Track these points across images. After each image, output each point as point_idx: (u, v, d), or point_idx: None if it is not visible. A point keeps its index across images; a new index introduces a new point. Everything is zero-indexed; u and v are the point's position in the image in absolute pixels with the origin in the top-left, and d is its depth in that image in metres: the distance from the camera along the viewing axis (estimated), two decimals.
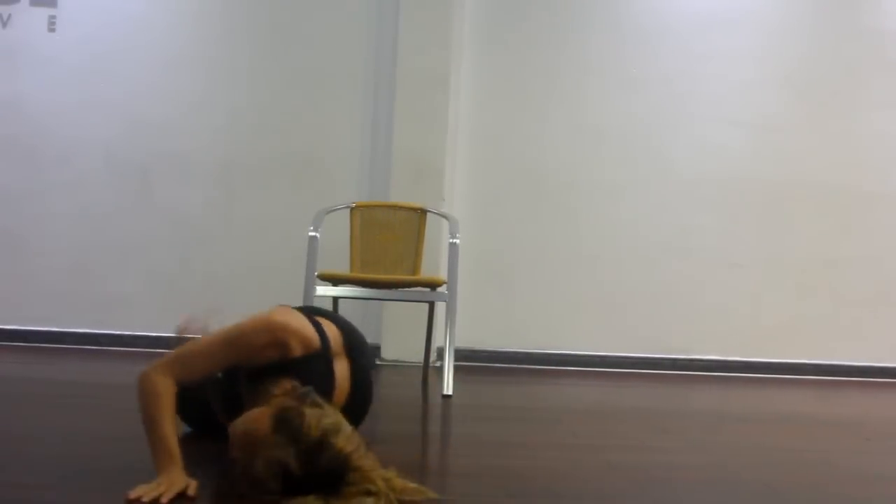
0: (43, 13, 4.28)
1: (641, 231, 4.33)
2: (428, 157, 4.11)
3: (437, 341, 3.61)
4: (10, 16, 4.28)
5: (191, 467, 1.59)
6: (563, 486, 1.80)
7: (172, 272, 4.22)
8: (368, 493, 1.44)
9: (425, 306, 3.45)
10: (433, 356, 3.84)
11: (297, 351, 1.72)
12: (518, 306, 4.29)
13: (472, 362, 4.15)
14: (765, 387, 3.88)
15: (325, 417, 1.50)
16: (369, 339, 4.13)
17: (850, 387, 4.05)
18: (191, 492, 1.51)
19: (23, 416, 2.37)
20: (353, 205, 3.60)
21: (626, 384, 3.80)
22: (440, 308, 3.43)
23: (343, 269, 3.45)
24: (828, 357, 4.33)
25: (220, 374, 1.86)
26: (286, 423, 1.47)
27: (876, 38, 4.43)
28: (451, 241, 3.31)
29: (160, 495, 1.47)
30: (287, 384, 1.67)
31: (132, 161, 4.26)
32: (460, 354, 3.86)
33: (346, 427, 1.51)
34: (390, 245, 3.57)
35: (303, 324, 1.77)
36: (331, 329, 1.89)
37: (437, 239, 3.94)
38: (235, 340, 1.69)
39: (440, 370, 3.19)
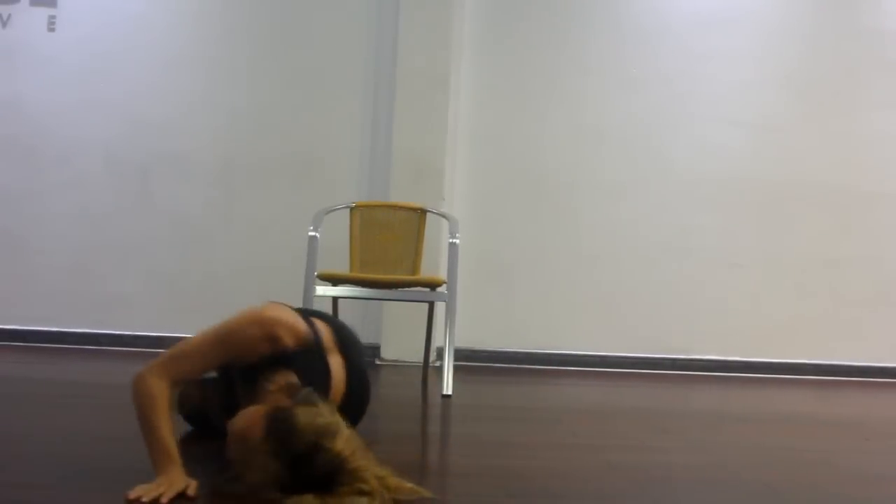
0: (43, 13, 4.28)
1: (641, 231, 4.33)
2: (428, 157, 4.11)
3: (437, 341, 3.61)
4: (9, 16, 4.28)
5: (191, 466, 1.59)
6: (563, 486, 1.80)
7: (172, 272, 4.22)
8: (362, 493, 1.44)
9: (425, 306, 3.45)
10: (433, 356, 3.85)
11: (288, 343, 1.72)
12: (518, 306, 4.29)
13: (472, 362, 4.15)
14: (765, 387, 3.88)
15: (318, 417, 1.50)
16: (369, 339, 4.20)
17: (850, 387, 4.05)
18: (191, 492, 1.51)
19: (23, 416, 2.37)
20: (353, 205, 3.60)
21: (626, 384, 3.80)
22: (440, 308, 3.43)
23: (343, 269, 3.45)
24: (828, 357, 4.33)
25: (214, 374, 1.86)
26: (277, 426, 1.47)
27: (876, 38, 4.43)
28: (450, 240, 3.31)
29: (160, 495, 1.47)
30: (281, 379, 1.67)
31: (132, 161, 4.26)
32: (460, 354, 3.86)
33: (341, 426, 1.51)
34: (390, 245, 3.57)
35: (292, 316, 1.78)
36: (321, 325, 1.90)
37: (436, 239, 3.94)
38: (227, 337, 1.70)
39: (440, 370, 3.19)
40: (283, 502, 1.42)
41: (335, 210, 3.53)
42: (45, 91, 4.26)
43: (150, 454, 1.58)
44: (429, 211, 3.64)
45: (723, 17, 4.40)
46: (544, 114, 4.34)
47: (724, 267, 4.35)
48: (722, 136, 4.37)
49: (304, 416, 1.49)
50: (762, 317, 4.34)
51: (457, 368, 3.19)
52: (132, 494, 1.47)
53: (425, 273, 3.58)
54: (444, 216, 3.64)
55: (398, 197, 3.93)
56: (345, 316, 3.51)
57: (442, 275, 3.43)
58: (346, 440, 1.49)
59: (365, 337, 4.06)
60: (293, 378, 1.69)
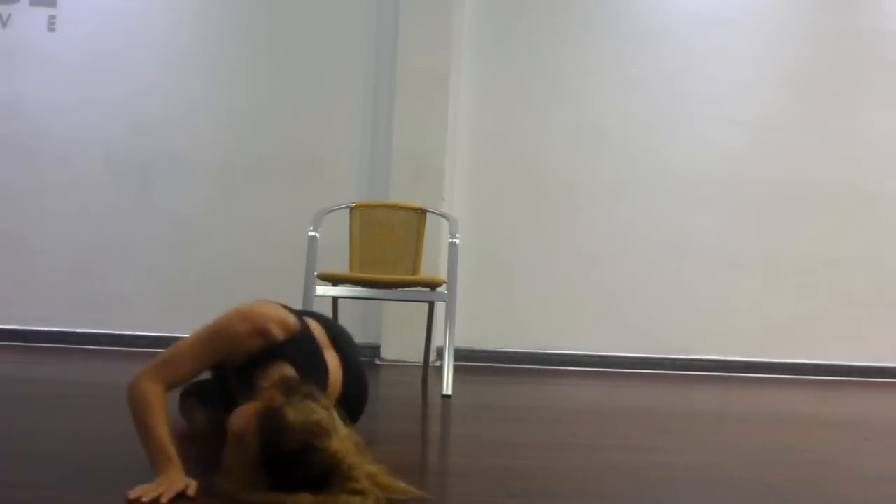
0: (43, 13, 4.28)
1: (641, 231, 4.33)
2: (428, 157, 4.11)
3: (437, 341, 3.61)
4: (9, 16, 4.28)
5: (191, 466, 1.59)
6: (562, 486, 1.80)
7: (172, 272, 4.22)
8: (355, 493, 1.44)
9: (425, 306, 3.45)
10: (433, 356, 3.85)
11: (278, 335, 1.72)
12: (518, 306, 4.29)
13: (472, 362, 4.15)
14: (765, 387, 3.88)
15: (312, 414, 1.49)
16: (369, 339, 4.20)
17: (850, 387, 4.05)
18: (190, 492, 1.51)
19: (23, 416, 2.37)
20: (353, 205, 3.60)
21: (626, 384, 3.80)
22: (440, 308, 3.43)
23: (343, 269, 3.45)
24: (828, 357, 4.33)
25: (209, 375, 1.86)
26: (268, 426, 1.47)
27: (876, 38, 4.43)
28: (450, 240, 3.31)
29: (160, 495, 1.47)
30: (276, 373, 1.67)
31: (132, 161, 4.26)
32: (460, 354, 3.86)
33: (336, 422, 1.50)
34: (390, 245, 3.57)
35: (280, 310, 1.79)
36: (314, 323, 1.91)
37: (436, 239, 3.94)
38: (217, 335, 1.70)
39: (440, 370, 3.19)
40: (281, 502, 1.42)
41: (335, 210, 3.52)
42: (45, 91, 4.26)
43: (148, 456, 1.58)
44: (429, 211, 3.64)
45: (723, 17, 4.40)
46: (544, 114, 4.34)
47: (724, 267, 4.34)
48: (722, 136, 4.37)
49: (295, 413, 1.48)
50: (762, 317, 4.34)
51: (457, 368, 3.19)
52: (132, 494, 1.47)
53: (425, 273, 3.58)
54: (444, 216, 3.64)
55: (398, 197, 3.93)
56: (345, 316, 3.53)
57: (442, 275, 3.43)
58: (341, 438, 1.48)
59: (365, 337, 4.08)
60: (288, 369, 1.69)
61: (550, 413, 2.91)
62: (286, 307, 1.85)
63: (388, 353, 4.08)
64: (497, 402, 3.22)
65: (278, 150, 4.28)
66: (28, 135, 4.25)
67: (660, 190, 4.35)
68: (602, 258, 4.31)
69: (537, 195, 4.32)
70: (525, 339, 4.27)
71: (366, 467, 1.49)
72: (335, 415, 1.53)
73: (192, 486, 1.52)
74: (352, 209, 3.57)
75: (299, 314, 1.90)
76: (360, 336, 3.99)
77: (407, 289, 3.23)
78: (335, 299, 3.39)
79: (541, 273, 4.30)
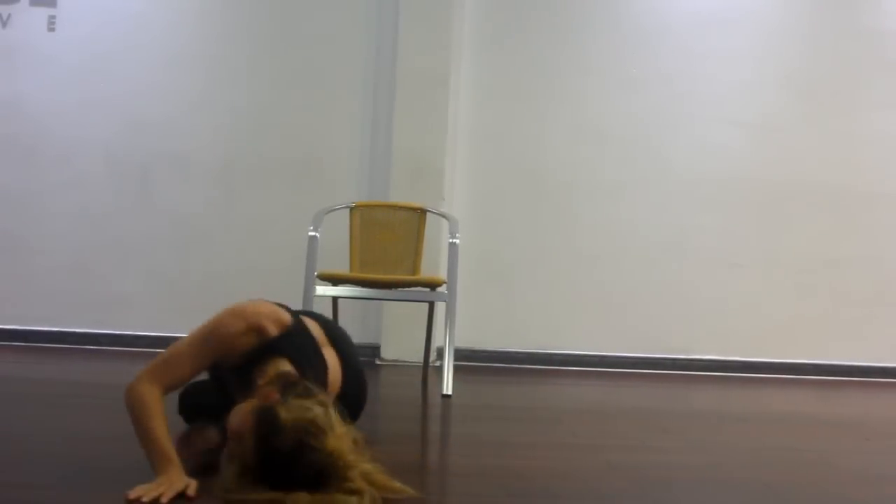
0: (43, 13, 4.28)
1: (641, 231, 4.33)
2: (428, 157, 4.11)
3: (437, 341, 3.61)
4: (9, 16, 4.28)
5: (190, 466, 1.59)
6: (562, 486, 1.80)
7: (172, 272, 4.22)
8: (350, 492, 1.44)
9: (425, 306, 3.45)
10: (433, 356, 3.85)
11: (272, 331, 1.73)
12: (518, 306, 4.29)
13: (472, 362, 4.15)
14: (765, 387, 3.88)
15: (306, 411, 1.49)
16: (369, 339, 4.20)
17: (851, 387, 4.05)
18: (190, 492, 1.51)
19: (23, 416, 2.37)
20: (353, 205, 3.60)
21: (626, 384, 3.80)
22: (440, 308, 3.43)
23: (343, 269, 3.45)
24: (828, 357, 4.33)
25: (207, 376, 1.87)
26: (263, 425, 1.47)
27: (876, 38, 4.43)
28: (450, 240, 3.31)
29: (160, 495, 1.47)
30: (272, 369, 1.68)
31: (132, 161, 4.26)
32: (460, 354, 3.86)
33: (331, 418, 1.50)
34: (390, 245, 3.57)
35: (273, 307, 1.80)
36: (311, 322, 1.92)
37: (436, 239, 3.94)
38: (211, 335, 1.71)
39: (440, 370, 3.19)
40: (280, 501, 1.42)
41: (335, 210, 3.52)
42: (45, 91, 4.26)
43: (148, 458, 1.58)
44: (429, 211, 3.64)
45: (723, 17, 4.40)
46: (544, 114, 4.34)
47: (724, 267, 4.34)
48: (722, 136, 4.37)
49: (289, 412, 1.48)
50: (762, 317, 4.34)
51: (457, 368, 3.19)
52: (132, 494, 1.47)
53: (425, 273, 3.58)
54: (444, 216, 3.64)
55: (398, 197, 3.93)
56: (345, 316, 3.54)
57: (442, 275, 3.43)
58: (337, 436, 1.48)
59: (365, 337, 4.09)
60: (284, 365, 1.70)
61: (550, 413, 2.91)
62: (281, 305, 1.86)
63: (388, 353, 4.08)
64: (497, 402, 3.22)
65: (278, 150, 4.28)
66: (28, 135, 4.25)
67: (660, 190, 4.35)
68: (602, 258, 4.31)
69: (537, 195, 4.32)
70: (525, 339, 4.27)
71: (362, 466, 1.49)
72: (332, 411, 1.52)
73: (193, 486, 1.52)
74: (352, 209, 3.57)
75: (296, 313, 1.91)
76: (360, 336, 4.02)
77: (407, 289, 3.23)
78: (335, 299, 3.39)
79: (541, 273, 4.30)
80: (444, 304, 3.21)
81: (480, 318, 4.19)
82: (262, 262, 4.14)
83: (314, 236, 3.25)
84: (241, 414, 1.54)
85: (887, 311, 4.35)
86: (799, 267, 4.36)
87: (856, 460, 2.27)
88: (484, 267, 4.23)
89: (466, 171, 4.29)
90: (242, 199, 4.27)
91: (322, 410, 1.51)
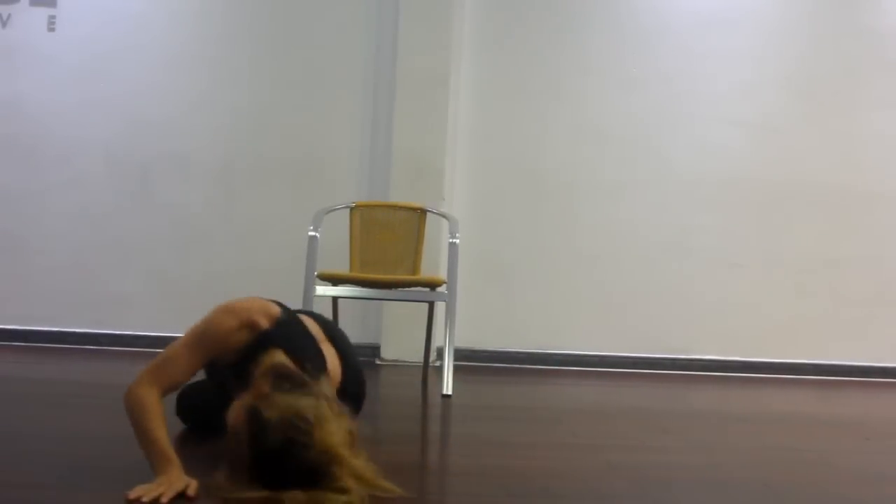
0: (43, 13, 4.28)
1: (641, 231, 4.33)
2: (428, 157, 4.11)
3: (437, 341, 3.61)
4: (9, 16, 4.28)
5: (191, 465, 1.59)
6: (563, 486, 1.80)
7: (172, 272, 4.22)
8: (340, 490, 1.44)
9: (425, 306, 3.45)
10: (433, 356, 3.85)
11: (264, 323, 1.75)
12: (518, 306, 4.29)
13: (472, 362, 4.15)
14: (765, 387, 3.88)
15: (294, 405, 1.47)
16: (369, 339, 4.20)
17: (851, 387, 4.05)
18: (190, 492, 1.51)
19: (23, 416, 2.37)
20: (353, 204, 3.60)
21: (626, 384, 3.80)
22: (440, 308, 3.43)
23: (343, 268, 3.45)
24: (828, 357, 4.33)
25: (205, 377, 1.87)
26: (251, 423, 1.47)
27: (876, 38, 4.43)
28: (450, 240, 3.31)
29: (160, 495, 1.47)
30: (267, 360, 1.68)
31: (132, 161, 4.26)
32: (460, 354, 3.86)
33: (322, 411, 1.48)
34: (390, 245, 3.57)
35: (263, 301, 1.81)
36: (308, 320, 1.93)
37: (436, 239, 3.94)
38: (205, 333, 1.72)
39: (440, 370, 3.19)
40: (279, 499, 1.42)
41: (335, 210, 3.52)
42: (45, 91, 4.26)
43: (148, 459, 1.59)
44: (429, 211, 3.64)
45: (723, 17, 4.40)
46: (544, 113, 4.34)
47: (724, 267, 4.34)
48: (722, 136, 4.37)
49: (275, 409, 1.47)
50: (762, 317, 4.33)
51: (457, 368, 3.19)
52: (132, 494, 1.47)
53: (425, 273, 3.58)
54: (444, 216, 3.64)
55: (398, 197, 3.93)
56: (345, 316, 3.54)
57: (442, 275, 3.43)
58: (328, 430, 1.46)
59: (365, 337, 4.09)
60: (279, 355, 1.70)
61: (550, 413, 2.91)
62: (274, 301, 1.86)
63: (388, 353, 4.08)
64: (497, 402, 3.22)
65: (278, 150, 4.28)
66: (28, 135, 4.25)
67: (660, 190, 4.35)
68: (602, 258, 4.31)
69: (537, 195, 4.32)
70: (525, 339, 4.27)
71: (352, 462, 1.48)
72: (323, 402, 1.51)
73: (193, 486, 1.52)
74: (352, 209, 3.57)
75: (296, 312, 1.91)
76: (360, 336, 4.03)
77: (407, 289, 3.23)
78: (335, 299, 3.39)
79: (541, 273, 4.30)
80: (444, 304, 3.21)
81: (480, 318, 4.19)
82: (262, 262, 4.14)
83: (314, 236, 3.25)
84: (235, 410, 1.55)
85: (887, 311, 4.35)
86: (799, 267, 4.36)
87: (856, 460, 2.27)
88: (484, 267, 4.23)
89: (466, 171, 4.29)
90: (242, 199, 4.27)
91: (312, 402, 1.49)
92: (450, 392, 3.03)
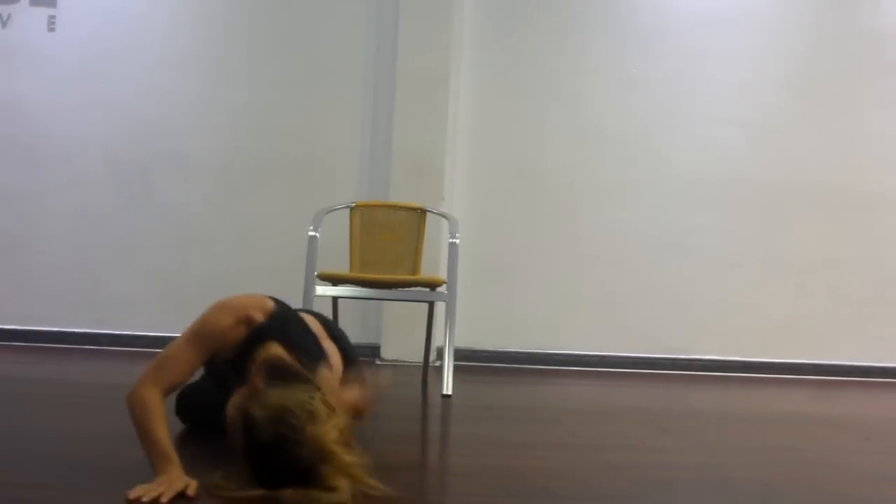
0: (43, 13, 4.28)
1: (641, 231, 4.33)
2: (428, 157, 4.11)
3: (437, 341, 3.61)
4: (9, 16, 4.28)
5: (191, 465, 1.59)
6: (562, 486, 1.80)
7: (172, 272, 4.22)
8: (328, 488, 1.44)
9: (425, 306, 3.45)
10: (433, 356, 3.85)
11: (259, 317, 1.76)
12: (518, 306, 4.29)
13: (472, 362, 4.15)
14: (765, 387, 3.88)
15: (284, 400, 1.47)
16: (369, 339, 4.20)
17: (851, 387, 4.05)
18: (190, 492, 1.51)
19: (23, 416, 2.37)
20: (353, 204, 3.60)
21: (626, 384, 3.80)
22: (440, 308, 3.43)
23: (343, 268, 3.45)
24: (828, 357, 4.33)
25: (206, 374, 1.88)
26: (242, 420, 1.48)
27: (875, 38, 4.43)
28: (450, 240, 3.31)
29: (160, 495, 1.47)
30: (263, 353, 1.68)
31: (132, 160, 4.26)
32: (460, 354, 3.86)
33: (312, 404, 1.48)
34: (390, 245, 3.57)
35: (256, 296, 1.83)
36: (309, 318, 1.94)
37: (436, 239, 3.94)
38: (202, 331, 1.73)
39: (440, 370, 3.19)
40: (274, 498, 1.42)
41: (335, 210, 3.52)
42: (45, 91, 4.26)
43: (149, 458, 1.59)
44: (429, 211, 3.64)
45: (723, 17, 4.40)
46: (544, 113, 4.34)
47: (724, 267, 4.34)
48: (722, 136, 4.37)
49: (266, 405, 1.47)
50: (762, 317, 4.33)
51: (457, 368, 3.19)
52: (132, 494, 1.47)
53: (425, 273, 3.58)
54: (444, 216, 3.64)
55: (398, 197, 3.93)
56: (345, 316, 3.54)
57: (442, 275, 3.43)
58: (319, 425, 1.46)
59: (365, 337, 4.09)
60: (274, 348, 1.71)
61: (550, 413, 2.91)
62: (271, 297, 1.87)
63: (388, 353, 4.08)
64: (497, 402, 3.22)
65: (278, 150, 4.28)
66: (28, 135, 4.25)
67: (660, 190, 4.35)
68: (602, 258, 4.31)
69: (537, 195, 4.32)
70: (525, 338, 4.27)
71: (343, 458, 1.48)
72: (317, 397, 1.51)
73: (192, 486, 1.52)
74: (352, 209, 3.57)
75: (297, 311, 1.92)
76: (360, 336, 4.03)
77: (407, 289, 3.23)
78: (335, 299, 3.39)
79: (541, 273, 4.30)
80: (443, 303, 3.21)
81: (480, 318, 4.19)
82: (262, 262, 4.14)
83: (314, 236, 3.24)
84: (231, 407, 1.55)
85: (887, 311, 4.35)
86: (799, 267, 4.36)
87: (856, 460, 2.27)
88: (484, 267, 4.23)
89: (466, 170, 4.29)
90: (242, 198, 4.27)
91: (305, 397, 1.49)
92: (450, 392, 3.03)
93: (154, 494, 1.47)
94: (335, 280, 3.17)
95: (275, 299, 1.86)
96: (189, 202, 4.25)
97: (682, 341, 4.30)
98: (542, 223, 4.32)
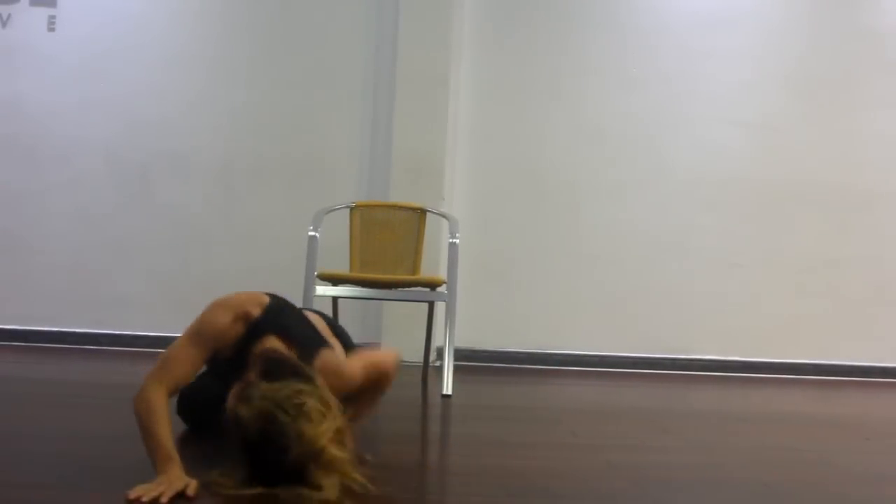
0: (43, 13, 4.28)
1: (641, 231, 4.33)
2: (428, 157, 4.11)
3: (437, 341, 3.61)
4: (9, 16, 4.28)
5: (192, 465, 1.59)
6: (562, 486, 1.80)
7: (172, 272, 4.22)
8: (317, 488, 1.45)
9: (425, 306, 3.45)
10: (433, 356, 3.85)
11: (255, 312, 1.77)
12: (518, 306, 4.29)
13: (472, 362, 4.15)
14: (765, 387, 3.88)
15: (274, 396, 1.48)
16: (369, 339, 4.19)
17: (851, 387, 4.05)
18: (190, 491, 1.51)
19: (23, 416, 2.37)
20: (353, 204, 3.60)
21: (625, 384, 3.80)
22: (440, 308, 3.43)
23: (343, 268, 3.45)
24: (828, 357, 4.33)
25: (209, 374, 1.88)
26: (233, 418, 1.49)
27: (875, 38, 4.43)
28: (450, 240, 3.31)
29: (160, 495, 1.47)
30: (259, 346, 1.71)
31: (132, 160, 4.26)
32: (460, 354, 3.86)
33: (303, 400, 1.48)
34: (390, 245, 3.57)
35: (249, 292, 1.84)
36: (313, 316, 1.95)
37: (436, 239, 3.94)
38: (202, 330, 1.74)
39: (440, 370, 3.19)
40: (275, 496, 1.42)
41: (335, 210, 3.53)
42: (45, 91, 4.26)
43: (150, 457, 1.59)
44: (429, 211, 3.64)
45: (722, 17, 4.40)
46: (544, 113, 4.34)
47: (724, 267, 4.34)
48: (722, 136, 4.37)
49: (256, 402, 1.48)
50: (762, 317, 4.33)
51: (457, 368, 3.19)
52: (132, 494, 1.47)
53: (425, 273, 3.58)
54: (444, 216, 3.64)
55: (398, 197, 3.93)
56: (345, 316, 3.54)
57: (442, 275, 3.43)
58: (309, 423, 1.46)
59: (365, 337, 4.09)
60: (271, 341, 1.73)
61: (550, 413, 2.91)
62: (267, 293, 1.88)
63: None
64: (497, 402, 3.22)
65: (278, 149, 4.28)
66: (28, 135, 4.25)
67: (660, 190, 4.35)
68: (602, 258, 4.31)
69: (537, 195, 4.32)
70: (525, 338, 4.27)
71: (331, 454, 1.48)
72: (309, 391, 1.51)
73: (192, 486, 1.52)
74: (352, 209, 3.57)
75: (301, 310, 1.93)
76: (360, 336, 4.02)
77: (407, 289, 3.23)
78: (335, 299, 3.39)
79: (541, 273, 4.30)
80: (443, 303, 3.21)
81: (480, 318, 4.19)
82: (262, 262, 4.14)
83: (314, 236, 3.25)
84: (227, 404, 1.56)
85: (887, 311, 4.35)
86: (799, 267, 4.36)
87: (856, 460, 2.27)
88: (484, 267, 4.23)
89: (466, 171, 4.29)
90: (242, 198, 4.27)
91: (293, 392, 1.50)
92: (450, 392, 3.03)
93: (154, 494, 1.47)
94: (335, 280, 3.17)
95: (271, 294, 1.87)
96: (189, 202, 4.25)
97: (682, 341, 4.30)
98: (542, 223, 4.32)
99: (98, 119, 4.25)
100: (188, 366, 1.72)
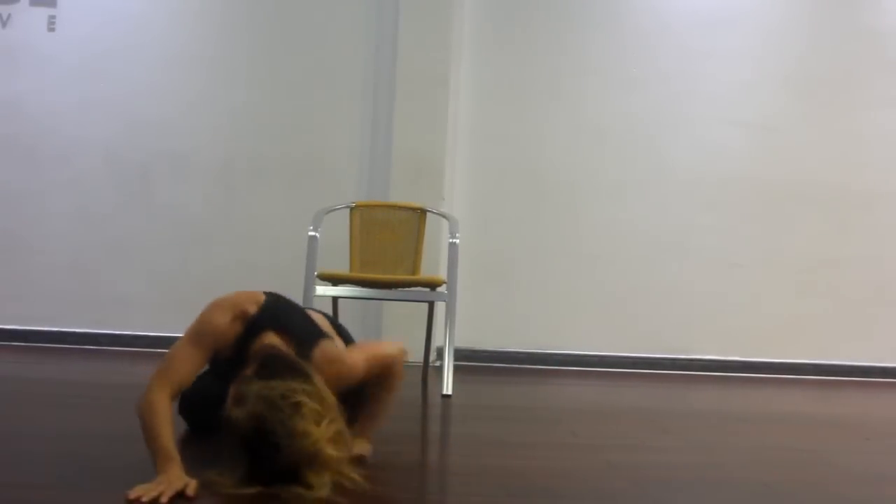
0: (43, 13, 4.28)
1: (641, 231, 4.33)
2: (428, 157, 4.11)
3: (437, 341, 3.61)
4: (9, 16, 4.28)
5: (192, 465, 1.59)
6: (562, 486, 1.80)
7: (172, 272, 4.22)
8: (308, 486, 1.46)
9: (425, 306, 3.45)
10: (433, 356, 3.84)
11: (252, 309, 1.77)
12: (518, 306, 4.29)
13: (472, 362, 4.15)
14: (765, 387, 3.88)
15: (268, 394, 1.48)
16: (369, 339, 4.16)
17: (851, 387, 4.05)
18: (190, 491, 1.51)
19: (23, 416, 2.37)
20: (353, 204, 3.60)
21: (625, 384, 3.80)
22: (440, 308, 3.43)
23: (343, 268, 3.45)
24: (828, 357, 4.33)
25: (211, 374, 1.89)
26: (229, 419, 1.49)
27: (875, 38, 4.43)
28: (450, 240, 3.31)
29: (160, 494, 1.47)
30: (258, 344, 1.71)
31: (132, 160, 4.26)
32: (460, 354, 3.86)
33: (297, 399, 1.48)
34: (390, 245, 3.57)
35: (245, 291, 1.84)
36: (317, 316, 1.96)
37: (436, 239, 3.94)
38: (201, 330, 1.75)
39: (440, 370, 3.19)
40: (274, 495, 1.43)
41: (335, 210, 3.53)
42: (46, 91, 4.26)
43: (151, 457, 1.59)
44: (429, 211, 3.64)
45: (722, 17, 4.40)
46: (544, 113, 4.34)
47: (724, 267, 4.34)
48: (722, 136, 4.37)
49: (249, 401, 1.48)
50: (762, 317, 4.33)
51: (457, 368, 3.19)
52: (132, 494, 1.47)
53: (425, 273, 3.58)
54: (444, 216, 3.64)
55: (398, 197, 3.93)
56: (345, 316, 3.53)
57: (442, 275, 3.43)
58: (303, 418, 1.46)
59: (365, 337, 4.07)
60: (269, 337, 1.73)
61: (550, 413, 2.91)
62: (264, 292, 1.88)
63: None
64: (497, 402, 3.22)
65: (278, 149, 4.28)
66: (28, 135, 4.25)
67: (660, 190, 4.35)
68: (602, 258, 4.31)
69: (537, 195, 4.32)
70: (525, 338, 4.27)
71: (325, 453, 1.48)
72: (306, 388, 1.51)
73: (192, 486, 1.52)
74: (352, 209, 3.57)
75: (303, 308, 1.93)
76: (360, 336, 4.01)
77: (407, 289, 3.23)
78: (335, 299, 3.39)
79: (541, 273, 4.30)
80: (443, 303, 3.21)
81: (480, 318, 4.19)
82: (262, 262, 4.14)
83: (314, 236, 3.25)
84: (227, 402, 1.56)
85: (887, 311, 4.35)
86: (799, 267, 4.36)
87: (856, 460, 2.27)
88: (484, 267, 4.23)
89: (466, 171, 4.29)
90: (242, 198, 4.27)
91: (290, 389, 1.50)
92: (450, 392, 3.03)
93: (154, 494, 1.47)
94: (335, 280, 3.17)
95: (268, 292, 1.87)
96: (189, 202, 4.25)
97: (682, 341, 4.30)
98: (542, 223, 4.32)
99: (98, 119, 4.25)
100: (189, 367, 1.72)
